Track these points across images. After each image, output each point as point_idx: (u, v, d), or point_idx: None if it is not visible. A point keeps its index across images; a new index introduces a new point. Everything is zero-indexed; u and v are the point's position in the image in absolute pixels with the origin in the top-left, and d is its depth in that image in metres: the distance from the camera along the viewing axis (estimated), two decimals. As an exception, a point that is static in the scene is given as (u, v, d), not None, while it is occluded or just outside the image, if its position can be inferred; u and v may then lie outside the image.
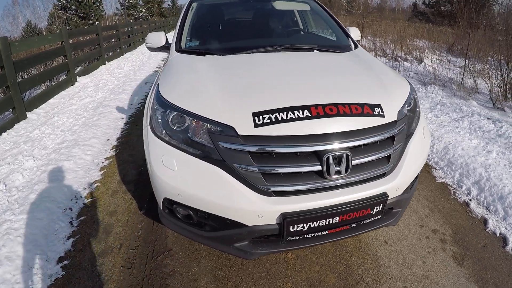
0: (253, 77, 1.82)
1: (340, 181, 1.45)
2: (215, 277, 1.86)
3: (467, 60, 7.43)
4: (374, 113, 1.56)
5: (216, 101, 1.54)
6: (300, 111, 1.45)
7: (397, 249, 2.10)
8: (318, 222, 1.42)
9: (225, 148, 1.40)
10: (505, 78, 5.51)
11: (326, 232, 1.51)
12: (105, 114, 4.58)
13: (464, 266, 2.00)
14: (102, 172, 3.08)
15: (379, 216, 1.61)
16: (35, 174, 2.88)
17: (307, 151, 1.41)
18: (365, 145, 1.51)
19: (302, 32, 3.24)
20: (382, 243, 2.15)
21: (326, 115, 1.45)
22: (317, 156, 1.42)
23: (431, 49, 11.80)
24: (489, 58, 7.33)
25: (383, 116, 1.58)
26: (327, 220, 1.43)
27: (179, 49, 2.39)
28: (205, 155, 1.44)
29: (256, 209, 1.35)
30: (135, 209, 2.49)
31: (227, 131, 1.41)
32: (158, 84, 1.85)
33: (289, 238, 1.45)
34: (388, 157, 1.60)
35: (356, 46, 2.63)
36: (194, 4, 2.94)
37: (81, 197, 2.64)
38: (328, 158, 1.39)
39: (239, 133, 1.39)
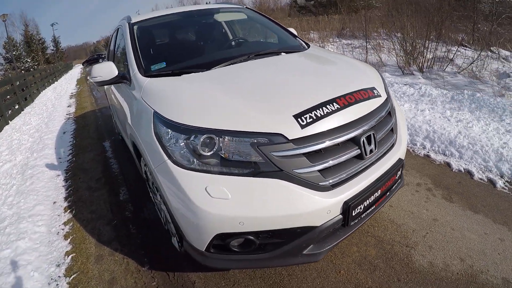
0: (258, 84, 1.77)
1: (373, 158, 1.60)
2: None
3: (367, 39, 8.41)
4: (375, 94, 1.75)
5: (245, 112, 1.44)
6: (331, 104, 1.51)
7: (403, 208, 2.41)
8: (368, 199, 1.53)
9: (280, 157, 1.35)
10: (406, 49, 6.43)
11: (373, 206, 1.62)
12: (37, 176, 3.92)
13: (454, 201, 2.46)
14: (68, 240, 2.61)
15: (399, 180, 1.86)
16: (-15, 270, 2.30)
17: (347, 139, 1.48)
18: (379, 122, 1.68)
19: (255, 40, 3.25)
20: (389, 208, 2.43)
21: (349, 104, 1.55)
22: (354, 141, 1.51)
23: (325, 38, 13.01)
24: (383, 34, 8.43)
25: (380, 96, 1.79)
26: (373, 195, 1.56)
27: (147, 74, 2.09)
28: (258, 170, 1.34)
29: (324, 206, 1.35)
30: (136, 267, 2.17)
31: (276, 139, 1.35)
32: (157, 112, 1.58)
33: (351, 223, 1.50)
34: (392, 130, 1.83)
35: (308, 45, 2.72)
36: (135, 28, 2.68)
37: (59, 277, 2.21)
38: (363, 140, 1.51)
39: (289, 138, 1.36)
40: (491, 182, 2.65)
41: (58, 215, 3.04)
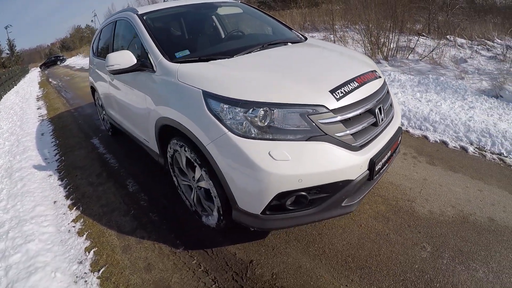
0: (286, 66, 1.98)
1: (383, 125, 1.91)
2: (311, 254, 1.94)
3: (333, 31, 8.63)
4: (377, 76, 2.10)
5: (290, 88, 1.66)
6: (352, 83, 1.80)
7: (397, 172, 2.78)
8: (385, 156, 1.80)
9: (324, 124, 1.57)
10: (371, 40, 6.82)
11: (386, 164, 1.91)
12: (28, 178, 3.63)
13: (437, 165, 2.87)
14: (84, 236, 2.46)
15: (399, 145, 2.16)
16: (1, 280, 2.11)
17: (366, 109, 1.77)
18: (384, 98, 2.01)
19: (263, 32, 3.27)
20: (386, 173, 2.77)
21: (363, 83, 1.86)
22: (370, 111, 1.81)
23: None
24: (345, 27, 8.81)
25: (380, 77, 2.15)
26: (387, 153, 1.84)
27: (175, 61, 2.14)
28: (308, 135, 1.54)
29: (357, 162, 1.60)
30: (170, 250, 2.08)
31: (320, 109, 1.58)
32: (207, 91, 1.69)
33: (374, 177, 1.74)
34: (391, 104, 2.19)
35: (305, 37, 2.96)
36: (146, 18, 2.65)
37: (85, 273, 2.07)
38: (377, 111, 1.83)
39: (330, 108, 1.60)
40: (463, 148, 3.12)
41: (64, 214, 2.84)
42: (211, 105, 1.62)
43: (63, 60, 37.01)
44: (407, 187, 2.53)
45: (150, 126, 2.36)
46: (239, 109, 1.55)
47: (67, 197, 3.13)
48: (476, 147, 3.11)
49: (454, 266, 1.76)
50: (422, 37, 8.84)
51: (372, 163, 1.67)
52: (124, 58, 2.28)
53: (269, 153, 1.45)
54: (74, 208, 2.89)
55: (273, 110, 1.53)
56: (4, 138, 5.69)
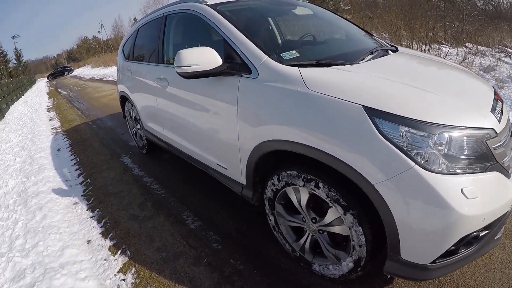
0: (422, 80, 1.58)
1: None
2: None
3: None
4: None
5: (458, 108, 1.34)
6: (495, 100, 1.55)
7: None
8: None
9: (495, 148, 1.30)
10: None
11: None
12: (48, 206, 2.93)
13: None
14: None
15: None
16: None
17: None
18: None
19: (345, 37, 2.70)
20: None
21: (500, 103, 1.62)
22: None
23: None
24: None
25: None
26: None
27: (282, 62, 1.67)
28: (486, 165, 1.27)
29: None
30: None
31: (491, 133, 1.31)
32: (374, 108, 1.26)
33: None
34: None
35: (391, 45, 2.48)
36: (226, 11, 2.11)
37: None
38: None
39: (497, 132, 1.33)
40: None
41: (105, 260, 2.13)
42: (384, 128, 1.22)
43: (70, 70, 37.17)
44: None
45: (241, 150, 1.82)
46: (425, 134, 1.20)
47: (104, 235, 2.42)
48: None
49: None
50: (443, 45, 8.69)
51: None
52: (206, 57, 1.73)
53: (461, 191, 1.17)
54: (119, 252, 2.18)
55: (452, 135, 1.21)
56: (14, 153, 5.01)
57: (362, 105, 1.27)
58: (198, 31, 2.34)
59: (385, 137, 1.20)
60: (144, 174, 3.45)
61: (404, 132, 1.20)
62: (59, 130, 6.44)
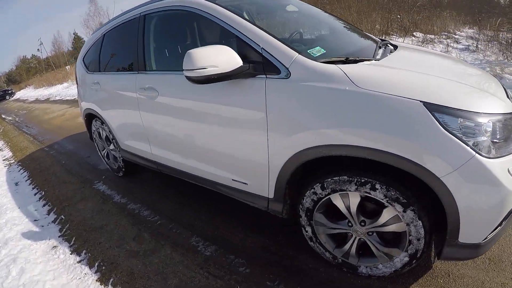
0: (442, 73, 1.63)
1: None
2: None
3: None
4: None
5: (490, 96, 1.43)
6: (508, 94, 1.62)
7: None
8: None
9: None
10: None
11: None
12: (23, 256, 2.47)
13: None
14: None
15: None
16: None
17: None
18: None
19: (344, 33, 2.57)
20: None
21: None
22: None
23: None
24: None
25: None
26: None
27: (314, 59, 1.53)
28: None
29: None
30: None
31: None
32: (431, 103, 1.28)
33: None
34: None
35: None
36: (229, 6, 1.85)
37: None
38: None
39: None
40: None
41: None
42: (445, 122, 1.26)
43: (12, 94, 33.96)
44: None
45: (272, 161, 1.63)
46: (478, 124, 1.27)
47: (104, 282, 2.06)
48: None
49: None
50: (393, 36, 9.37)
51: None
52: (224, 56, 1.51)
53: (508, 170, 1.27)
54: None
55: (497, 122, 1.31)
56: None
57: (421, 101, 1.27)
58: (195, 30, 2.10)
59: (447, 130, 1.24)
60: (128, 200, 3.06)
61: (461, 124, 1.25)
62: (12, 161, 5.69)
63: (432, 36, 10.62)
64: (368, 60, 1.60)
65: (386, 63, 1.61)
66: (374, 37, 2.34)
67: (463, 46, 9.77)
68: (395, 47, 2.10)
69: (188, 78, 1.54)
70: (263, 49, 1.56)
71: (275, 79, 1.53)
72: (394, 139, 1.28)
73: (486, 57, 7.67)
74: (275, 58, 1.53)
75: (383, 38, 8.03)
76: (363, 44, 2.06)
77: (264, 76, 1.56)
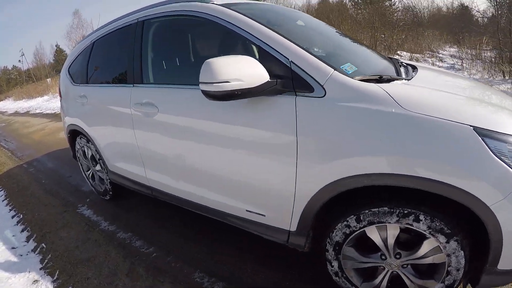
0: (480, 94, 1.66)
1: None
2: None
3: None
4: None
5: None
6: None
7: None
8: None
9: None
10: None
11: None
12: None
13: None
14: None
15: None
16: None
17: None
18: None
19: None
20: None
21: None
22: None
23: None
24: None
25: None
26: None
27: (350, 76, 1.40)
28: None
29: None
30: None
31: None
32: (486, 129, 1.21)
33: None
34: None
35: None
36: (244, 11, 1.73)
37: None
38: None
39: None
40: None
41: None
42: (495, 148, 1.21)
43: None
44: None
45: (299, 191, 1.47)
46: None
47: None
48: None
49: None
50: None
51: None
52: (249, 69, 1.35)
53: None
54: None
55: None
56: None
57: (471, 125, 1.19)
58: (206, 40, 2.00)
59: (497, 156, 1.18)
60: (117, 228, 2.79)
61: (509, 149, 1.20)
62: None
63: (417, 55, 10.94)
64: (400, 79, 1.50)
65: (418, 83, 1.51)
66: (384, 55, 2.28)
67: (448, 65, 10.02)
68: (413, 66, 2.04)
69: (205, 92, 1.37)
70: (293, 62, 1.41)
71: (308, 98, 1.38)
72: (445, 167, 1.19)
73: (471, 75, 7.85)
74: (307, 73, 1.38)
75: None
76: (383, 62, 1.97)
77: (294, 93, 1.41)
